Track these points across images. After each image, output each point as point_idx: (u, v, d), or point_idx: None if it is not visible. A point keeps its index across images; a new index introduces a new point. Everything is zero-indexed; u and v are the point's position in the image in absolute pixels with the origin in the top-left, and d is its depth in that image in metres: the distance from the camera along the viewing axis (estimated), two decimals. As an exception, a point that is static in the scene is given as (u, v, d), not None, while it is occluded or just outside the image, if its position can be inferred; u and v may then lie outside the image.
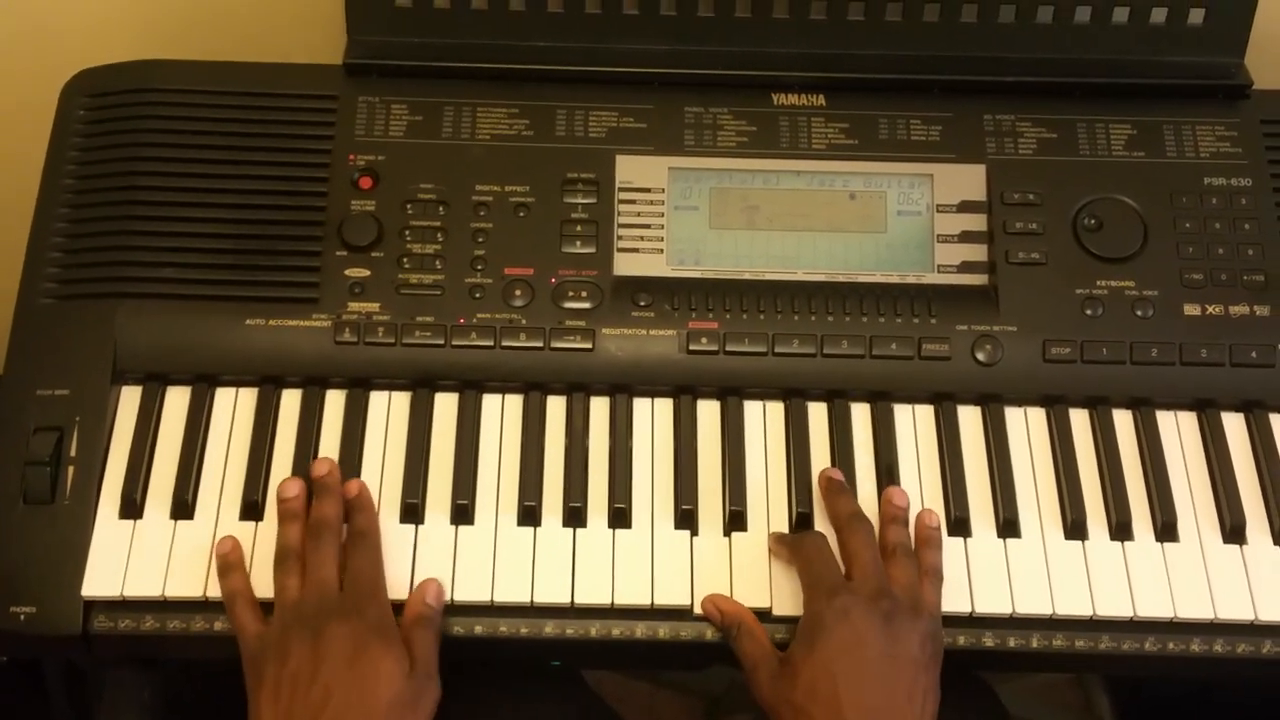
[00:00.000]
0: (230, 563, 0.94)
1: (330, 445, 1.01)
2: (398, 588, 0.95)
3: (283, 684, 0.87)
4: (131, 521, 0.97)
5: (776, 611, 0.95)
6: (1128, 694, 1.69)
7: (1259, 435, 1.03)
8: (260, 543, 0.97)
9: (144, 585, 0.95)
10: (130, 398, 1.02)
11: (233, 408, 1.02)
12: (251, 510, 0.98)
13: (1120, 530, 0.99)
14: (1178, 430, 1.03)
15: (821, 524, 0.99)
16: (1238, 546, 0.99)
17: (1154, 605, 0.96)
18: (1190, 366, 1.03)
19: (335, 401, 1.03)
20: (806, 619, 0.91)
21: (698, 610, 0.95)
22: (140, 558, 0.96)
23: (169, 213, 1.05)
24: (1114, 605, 0.96)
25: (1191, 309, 1.04)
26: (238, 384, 1.03)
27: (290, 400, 1.03)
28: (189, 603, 0.95)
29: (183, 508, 0.98)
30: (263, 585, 0.94)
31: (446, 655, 0.93)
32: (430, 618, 0.93)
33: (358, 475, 0.99)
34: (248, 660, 0.91)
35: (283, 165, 1.07)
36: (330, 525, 0.95)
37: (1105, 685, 1.71)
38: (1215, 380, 1.03)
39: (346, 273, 1.04)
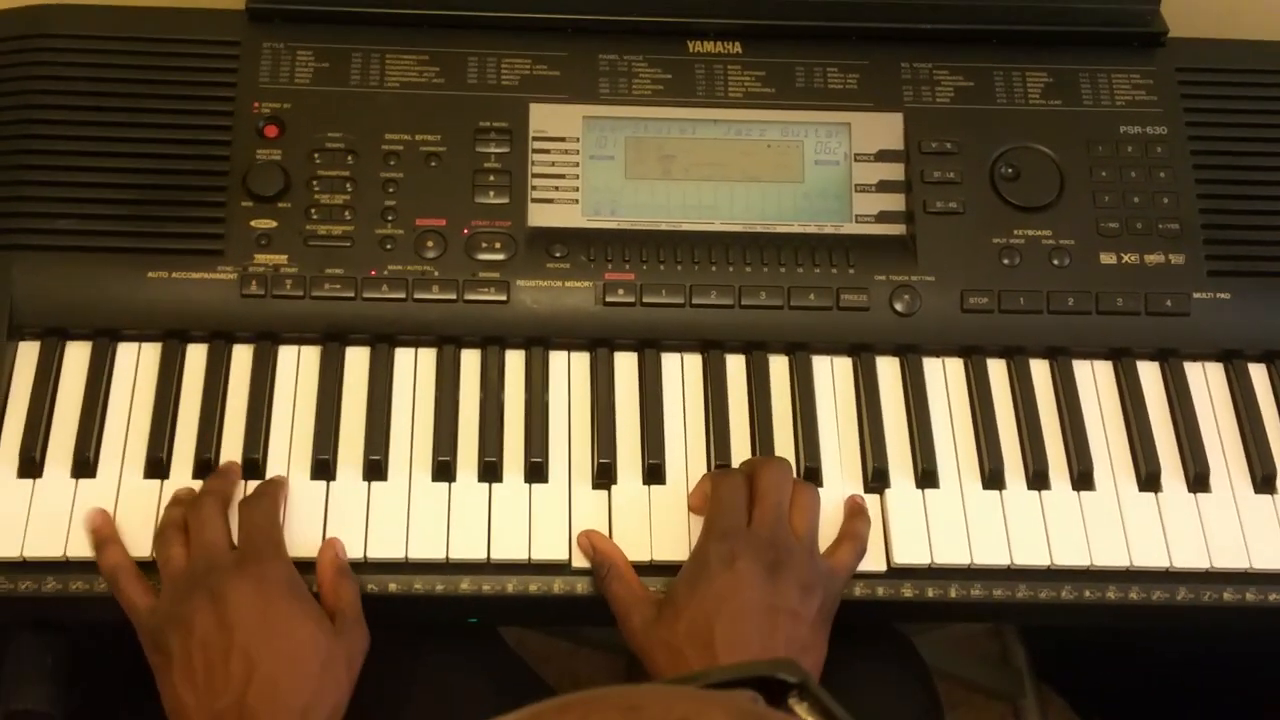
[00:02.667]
0: (104, 536, 0.90)
1: (237, 401, 0.98)
2: (309, 547, 0.92)
3: (194, 657, 0.82)
4: (31, 480, 0.94)
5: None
6: (1044, 644, 1.71)
7: (1174, 383, 1.03)
8: (165, 504, 0.94)
9: (45, 546, 0.92)
10: (28, 353, 0.98)
11: (135, 363, 0.99)
12: (156, 468, 0.95)
13: (1037, 479, 0.99)
14: (1094, 379, 1.04)
15: (741, 476, 0.98)
16: (1153, 494, 0.99)
17: (1070, 554, 0.96)
18: (1106, 315, 1.03)
19: (242, 356, 1.00)
20: (694, 557, 0.90)
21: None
22: (40, 518, 0.93)
23: (66, 162, 1.01)
24: (1031, 554, 0.96)
25: (1107, 258, 1.04)
26: (140, 339, 1.00)
27: (196, 355, 1.00)
28: (92, 563, 0.92)
29: (84, 466, 0.95)
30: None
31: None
32: (346, 567, 0.91)
33: (266, 432, 0.97)
34: (145, 638, 0.86)
35: (184, 114, 1.03)
36: (213, 492, 0.91)
37: (1021, 636, 1.73)
38: (1131, 329, 1.03)
39: (252, 224, 1.01)
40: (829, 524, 0.95)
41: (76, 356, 0.99)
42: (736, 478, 0.92)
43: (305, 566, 0.91)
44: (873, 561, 0.95)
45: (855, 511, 0.95)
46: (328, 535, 0.93)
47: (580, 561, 0.94)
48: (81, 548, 0.92)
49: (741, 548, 0.88)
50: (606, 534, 0.95)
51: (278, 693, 0.81)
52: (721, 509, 0.90)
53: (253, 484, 0.95)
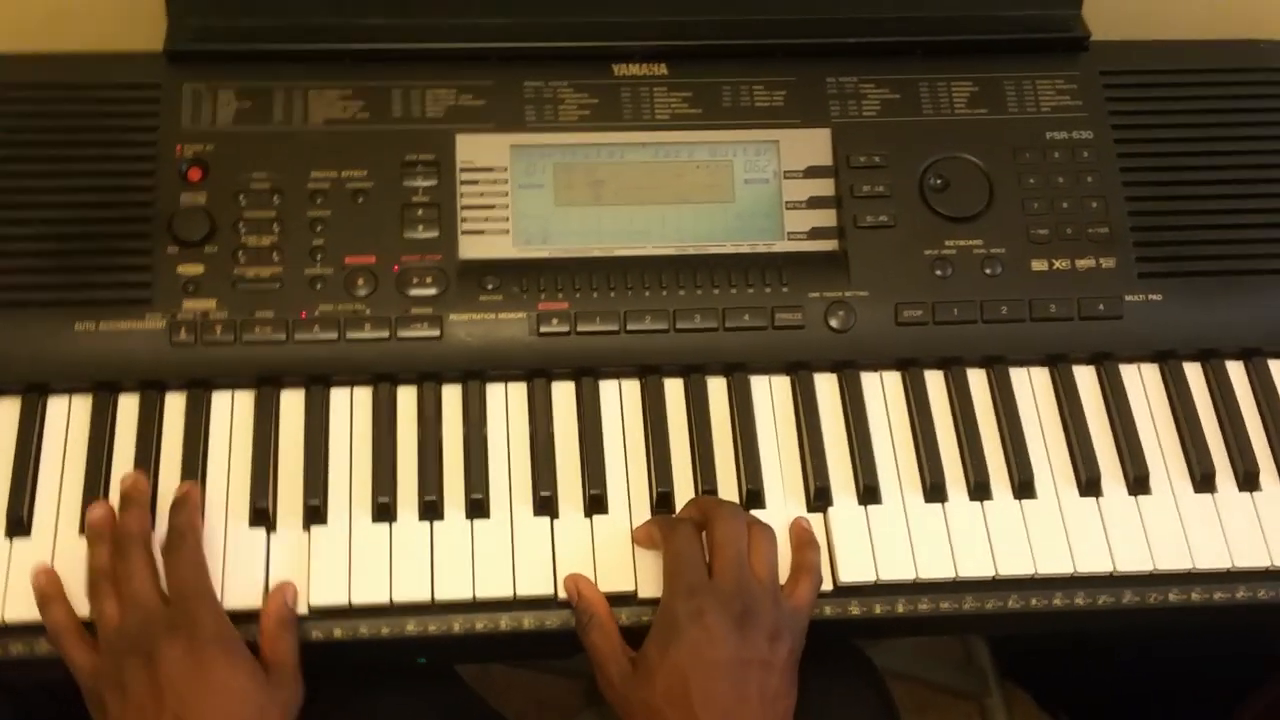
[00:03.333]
0: (48, 595, 0.90)
1: (172, 451, 0.97)
2: (250, 595, 0.92)
3: (129, 718, 0.82)
4: (-37, 543, 0.93)
5: (642, 594, 0.94)
6: (1007, 643, 1.72)
7: (1110, 386, 1.03)
8: (87, 569, 0.92)
9: (-20, 609, 0.91)
10: (-44, 413, 0.97)
11: (66, 417, 0.98)
12: (92, 524, 0.94)
13: (979, 490, 0.99)
14: (1031, 386, 1.04)
15: (683, 502, 0.97)
16: (1094, 499, 0.99)
17: (1015, 563, 0.96)
18: (1040, 322, 1.03)
19: (175, 405, 0.99)
20: (662, 615, 0.89)
21: (562, 596, 0.94)
22: (-26, 581, 0.92)
23: (-14, 215, 1.00)
24: (976, 566, 0.96)
25: (1039, 264, 1.04)
26: (71, 391, 0.99)
27: (128, 406, 0.99)
28: (31, 626, 0.90)
29: (18, 525, 0.94)
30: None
31: (308, 660, 0.90)
32: (291, 620, 0.90)
33: (202, 481, 0.96)
34: (88, 697, 0.86)
35: (106, 160, 1.02)
36: (134, 536, 0.90)
37: (984, 636, 1.74)
38: (1065, 334, 1.04)
39: (179, 270, 1.00)
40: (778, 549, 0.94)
41: (5, 413, 0.97)
42: (688, 528, 0.92)
43: (245, 617, 0.90)
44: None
45: (804, 542, 0.95)
46: (270, 583, 0.92)
47: (525, 592, 0.93)
48: (19, 610, 0.90)
49: (708, 603, 0.87)
50: (550, 567, 0.94)
51: None
52: (681, 564, 0.90)
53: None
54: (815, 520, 0.97)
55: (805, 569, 0.93)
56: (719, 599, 0.88)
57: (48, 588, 0.90)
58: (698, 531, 0.92)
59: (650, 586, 0.94)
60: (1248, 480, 1.01)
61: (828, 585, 0.95)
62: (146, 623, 0.85)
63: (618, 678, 0.89)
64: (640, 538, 0.95)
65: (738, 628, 0.87)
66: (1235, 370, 1.05)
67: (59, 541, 0.94)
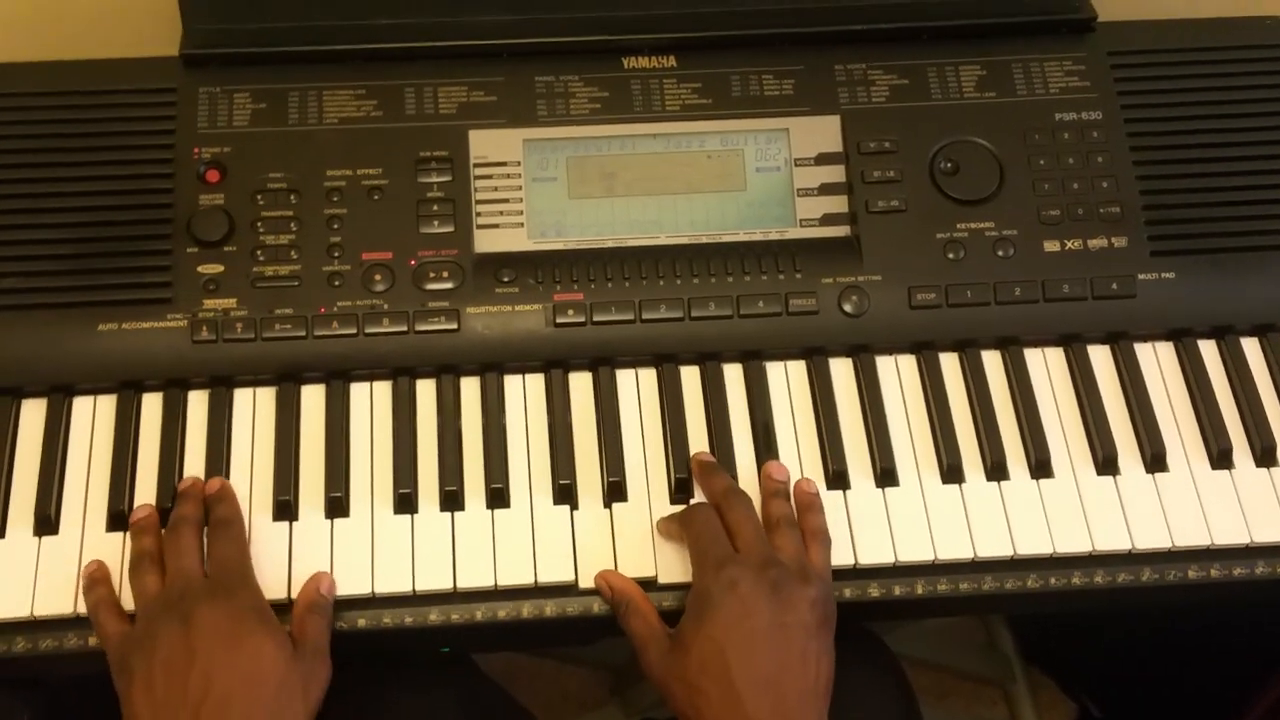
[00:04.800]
0: (96, 579, 0.92)
1: (195, 448, 0.98)
2: (275, 587, 0.93)
3: (155, 674, 0.84)
4: (-7, 543, 0.94)
5: (662, 579, 0.95)
6: (1030, 628, 1.72)
7: (1125, 365, 1.04)
8: (130, 554, 0.93)
9: (11, 606, 0.92)
10: (-17, 415, 0.98)
11: (92, 417, 1.00)
12: (118, 521, 0.95)
13: (996, 470, 0.99)
14: (1046, 366, 1.04)
15: (701, 489, 0.98)
16: (1111, 477, 1.00)
17: (1033, 542, 0.97)
18: (1054, 302, 1.04)
19: (198, 403, 1.00)
20: (695, 593, 0.90)
21: (583, 584, 0.95)
22: (5, 578, 0.93)
23: (8, 220, 1.01)
24: (994, 546, 0.97)
25: (1051, 245, 1.05)
26: (95, 392, 1.00)
27: (151, 405, 1.00)
28: (60, 620, 0.92)
29: (46, 523, 0.95)
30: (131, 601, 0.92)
31: (332, 651, 0.91)
32: (323, 606, 0.92)
33: (226, 477, 0.97)
34: (114, 664, 0.88)
35: (125, 164, 1.03)
36: (188, 519, 0.93)
37: (1007, 622, 1.74)
38: (1079, 314, 1.04)
39: (199, 270, 1.01)
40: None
41: (32, 414, 0.99)
42: (705, 508, 0.94)
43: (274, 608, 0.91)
44: (840, 559, 0.96)
45: (807, 505, 0.96)
46: (293, 575, 0.94)
47: (546, 579, 0.94)
48: (48, 606, 0.92)
49: (740, 573, 0.89)
50: (570, 555, 0.95)
51: (231, 713, 0.83)
52: (705, 542, 0.91)
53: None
54: (835, 500, 0.98)
55: (813, 534, 0.94)
56: (750, 568, 0.89)
57: (97, 573, 0.93)
58: (715, 513, 0.93)
59: (671, 573, 0.95)
60: (1265, 456, 1.01)
61: (849, 560, 0.96)
62: (187, 589, 0.88)
63: (656, 658, 0.90)
64: (661, 529, 0.96)
65: (773, 594, 0.88)
66: (1250, 346, 1.06)
67: (86, 539, 0.95)
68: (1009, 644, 1.74)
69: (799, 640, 0.87)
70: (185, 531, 0.92)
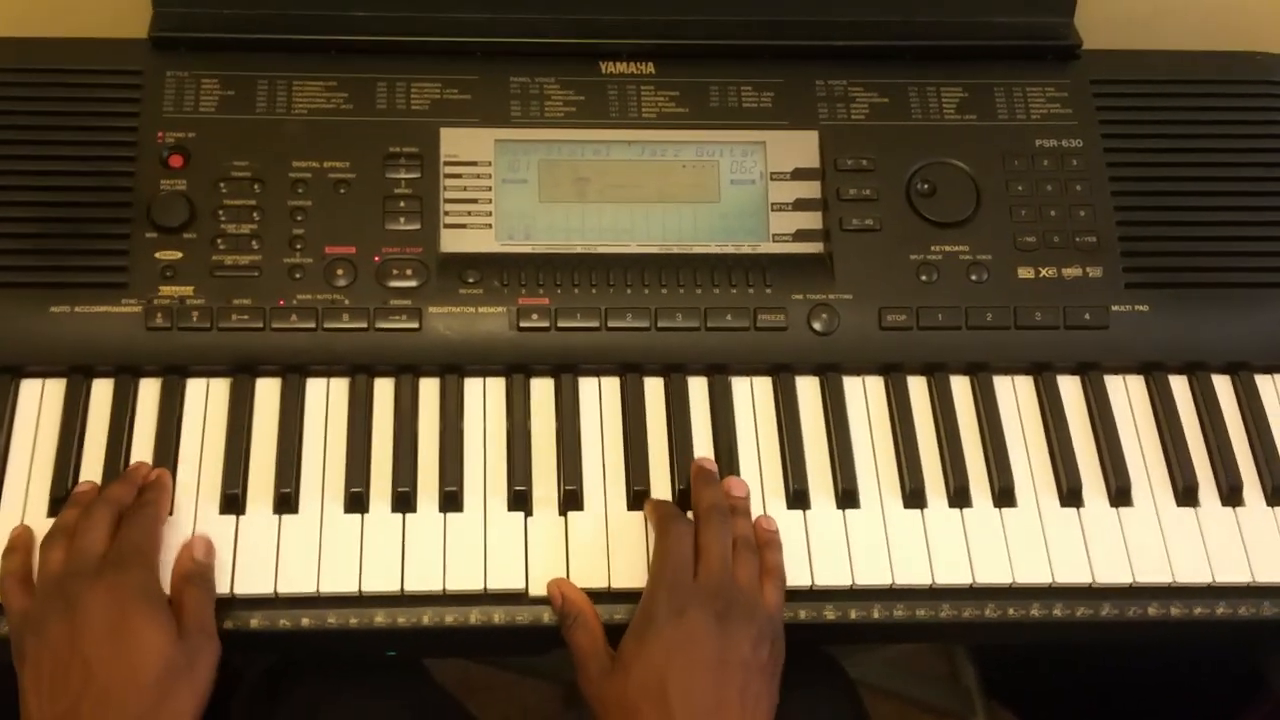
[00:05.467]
0: (14, 545, 0.91)
1: (144, 436, 0.96)
2: (219, 582, 0.91)
3: (43, 664, 0.83)
4: (-73, 523, 0.92)
5: (615, 585, 0.93)
6: (993, 661, 1.70)
7: (1094, 396, 1.02)
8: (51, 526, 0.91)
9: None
10: (-73, 393, 0.96)
11: (39, 400, 0.98)
12: (59, 506, 0.93)
13: (958, 497, 0.98)
14: (1015, 394, 1.03)
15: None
16: (1075, 510, 0.98)
17: (993, 571, 0.95)
18: (1025, 330, 1.02)
19: (149, 391, 0.98)
20: (643, 610, 0.88)
21: (534, 592, 0.93)
22: (-63, 561, 0.91)
23: (-36, 196, 0.99)
24: (953, 573, 0.95)
25: (1025, 272, 1.03)
26: (44, 375, 0.98)
27: (101, 391, 0.98)
28: None
29: (-15, 507, 0.93)
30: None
31: (276, 650, 0.89)
32: (200, 574, 0.90)
33: (174, 467, 0.95)
34: (13, 639, 0.87)
35: (87, 145, 1.02)
36: (109, 499, 0.91)
37: (970, 654, 1.72)
38: (1050, 343, 1.03)
39: (157, 255, 0.99)
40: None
41: (-23, 394, 0.97)
42: (684, 529, 0.92)
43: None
44: (796, 579, 0.94)
45: (766, 542, 0.94)
46: (238, 570, 0.92)
47: (496, 586, 0.92)
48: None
49: (690, 600, 0.87)
50: (522, 562, 0.93)
51: (109, 705, 0.81)
52: (668, 561, 0.90)
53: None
54: (794, 520, 0.96)
55: (769, 572, 0.92)
56: (701, 598, 0.87)
57: (17, 539, 0.91)
58: (692, 531, 0.91)
59: (622, 579, 0.93)
60: (1231, 495, 1.00)
61: (806, 580, 0.94)
62: (81, 568, 0.86)
63: (595, 674, 0.88)
64: (646, 509, 0.95)
65: (719, 626, 0.86)
66: (1221, 384, 1.04)
67: (26, 522, 0.93)
68: (971, 677, 1.72)
69: (738, 677, 0.85)
70: (98, 510, 0.89)
